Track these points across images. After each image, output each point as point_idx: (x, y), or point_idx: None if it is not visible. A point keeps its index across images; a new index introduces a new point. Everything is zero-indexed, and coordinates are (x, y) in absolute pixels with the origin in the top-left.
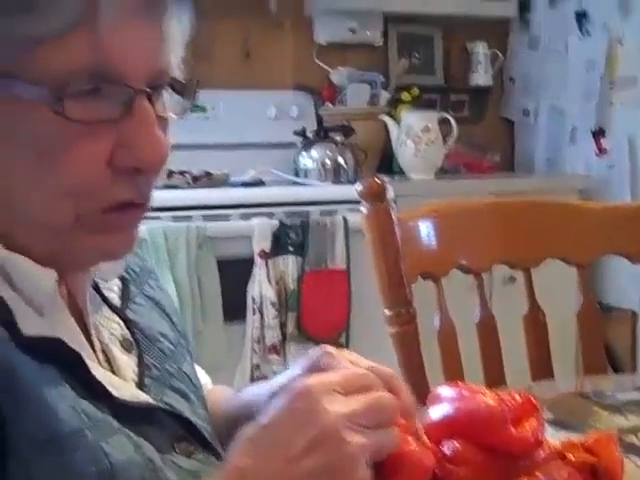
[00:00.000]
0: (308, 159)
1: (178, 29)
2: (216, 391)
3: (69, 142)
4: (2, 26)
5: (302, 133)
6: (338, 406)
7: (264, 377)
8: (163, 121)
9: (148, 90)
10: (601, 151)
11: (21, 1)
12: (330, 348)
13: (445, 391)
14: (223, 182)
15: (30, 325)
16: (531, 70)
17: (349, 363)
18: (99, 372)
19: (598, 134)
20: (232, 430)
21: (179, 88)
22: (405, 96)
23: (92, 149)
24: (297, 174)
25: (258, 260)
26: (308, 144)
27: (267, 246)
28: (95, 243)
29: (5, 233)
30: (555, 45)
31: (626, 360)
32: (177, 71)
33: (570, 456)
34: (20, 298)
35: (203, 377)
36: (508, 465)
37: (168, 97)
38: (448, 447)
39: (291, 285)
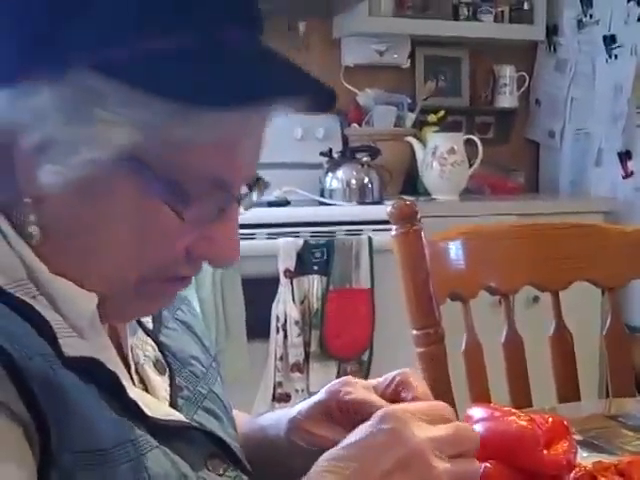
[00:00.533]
0: (334, 179)
1: None
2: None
3: (167, 233)
4: (161, 121)
5: (328, 154)
6: (424, 431)
7: (286, 395)
8: None
9: (242, 196)
10: (627, 174)
11: (189, 108)
12: (351, 378)
13: (477, 412)
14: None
15: (72, 346)
16: (557, 92)
17: (365, 391)
18: (134, 392)
19: (624, 156)
20: (248, 453)
21: (253, 184)
22: (431, 118)
23: (182, 241)
24: (322, 194)
25: (283, 279)
26: (334, 164)
27: (292, 265)
28: (142, 306)
29: (62, 270)
30: (582, 68)
31: None
32: None
33: (602, 478)
34: (63, 320)
35: None
36: None
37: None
38: (480, 468)
39: (315, 304)
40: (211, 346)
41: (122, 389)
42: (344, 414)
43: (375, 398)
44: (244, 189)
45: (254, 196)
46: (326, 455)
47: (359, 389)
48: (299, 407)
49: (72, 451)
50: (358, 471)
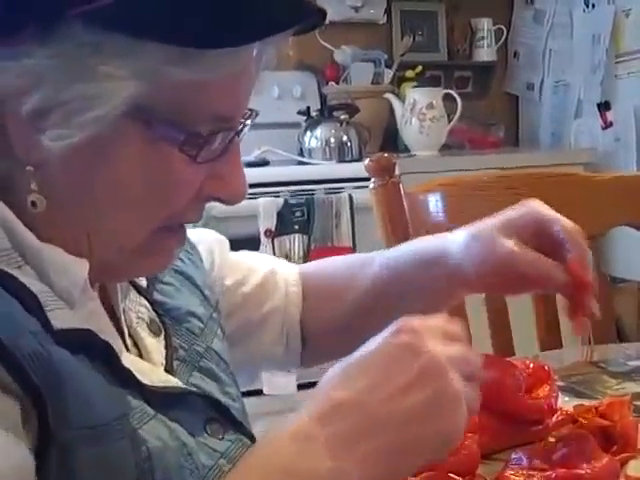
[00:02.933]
0: (312, 138)
1: None
2: (333, 264)
3: (179, 177)
4: (163, 67)
5: (306, 112)
6: (441, 348)
7: None
8: None
9: (241, 130)
10: (607, 124)
11: (188, 50)
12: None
13: None
14: None
15: (60, 318)
16: (536, 44)
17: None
18: (128, 360)
19: (603, 107)
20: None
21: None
22: (409, 73)
23: (193, 182)
24: (301, 153)
25: (264, 239)
26: (312, 123)
27: (273, 225)
28: (145, 264)
29: (58, 237)
30: (560, 19)
31: (633, 332)
32: None
33: (583, 420)
34: (51, 291)
35: (268, 262)
36: (522, 431)
37: None
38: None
39: (297, 263)
40: (211, 295)
41: (116, 358)
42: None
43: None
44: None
45: (247, 127)
46: (337, 366)
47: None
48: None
49: (70, 428)
50: (372, 385)
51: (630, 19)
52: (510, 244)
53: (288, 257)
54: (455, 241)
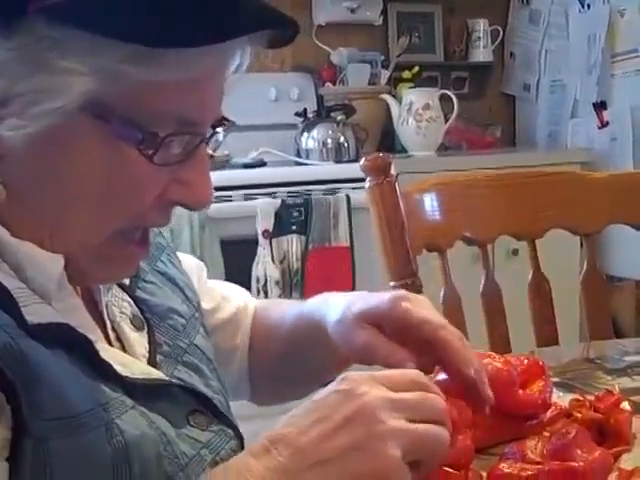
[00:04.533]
0: (309, 139)
1: None
2: (270, 307)
3: (138, 178)
4: (121, 65)
5: (303, 114)
6: (380, 392)
7: None
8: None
9: (209, 136)
10: (603, 124)
11: (148, 49)
12: (407, 293)
13: None
14: (225, 164)
15: (37, 314)
16: (532, 45)
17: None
18: (108, 353)
19: (600, 107)
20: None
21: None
22: (405, 74)
23: (154, 185)
24: (299, 154)
25: (262, 240)
26: (309, 124)
27: (270, 226)
28: (108, 270)
29: (27, 233)
30: (555, 19)
31: (630, 330)
32: None
33: (577, 414)
34: (26, 287)
35: (241, 296)
36: (517, 426)
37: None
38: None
39: (295, 264)
40: (193, 296)
41: (94, 351)
42: (396, 330)
43: (436, 319)
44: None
45: (220, 137)
46: (288, 414)
47: (419, 306)
48: (351, 303)
49: (43, 419)
50: (307, 425)
51: (625, 19)
52: (365, 336)
53: (286, 257)
54: (332, 311)
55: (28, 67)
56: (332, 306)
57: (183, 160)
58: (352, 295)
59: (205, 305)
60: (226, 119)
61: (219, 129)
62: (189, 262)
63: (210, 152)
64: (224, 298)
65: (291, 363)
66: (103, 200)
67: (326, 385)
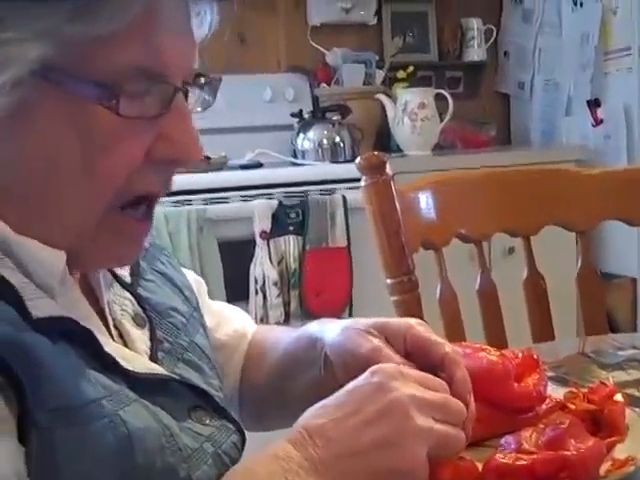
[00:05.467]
0: (305, 140)
1: (199, 31)
2: (267, 334)
3: (114, 136)
4: (64, 25)
5: (299, 114)
6: (411, 389)
7: None
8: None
9: (185, 88)
10: (597, 121)
11: (85, 3)
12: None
13: None
14: (222, 165)
15: (40, 308)
16: (525, 43)
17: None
18: (111, 346)
19: (594, 105)
20: (296, 361)
21: (203, 84)
22: (400, 74)
23: (134, 142)
24: (295, 155)
25: (259, 241)
26: (305, 125)
27: (268, 226)
28: (109, 247)
29: (23, 226)
30: (548, 17)
31: (626, 328)
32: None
33: (571, 406)
34: (30, 282)
35: (241, 320)
36: (512, 418)
37: (192, 93)
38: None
39: (293, 264)
40: (192, 296)
41: (97, 344)
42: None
43: (442, 342)
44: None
45: (206, 94)
46: (321, 401)
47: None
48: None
49: (47, 410)
50: (341, 417)
51: (617, 17)
52: (374, 342)
53: (284, 258)
54: (331, 329)
55: None
56: (332, 326)
57: (160, 114)
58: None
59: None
60: (202, 75)
61: (204, 88)
62: (189, 277)
63: (199, 109)
64: (223, 319)
65: (279, 389)
66: (86, 168)
67: None
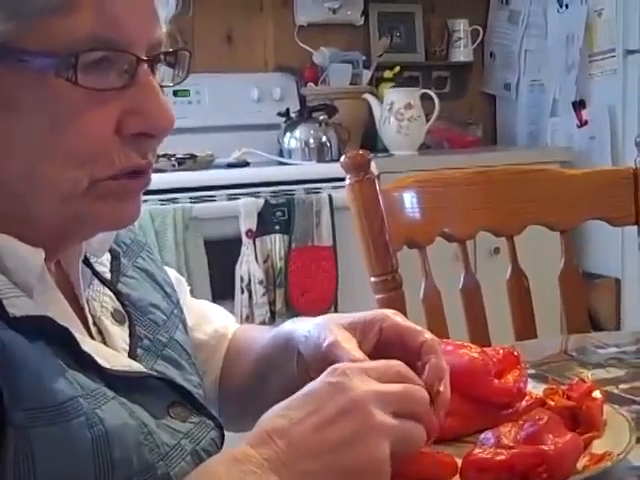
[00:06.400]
0: (292, 139)
1: (164, 5)
2: (245, 333)
3: (79, 109)
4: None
5: (285, 114)
6: (369, 385)
7: None
8: (162, 90)
9: (149, 59)
10: (582, 123)
11: None
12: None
13: None
14: (208, 164)
15: (17, 306)
16: (511, 44)
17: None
18: (89, 345)
19: (579, 106)
20: (267, 369)
21: (172, 60)
22: (387, 74)
23: (101, 115)
24: (281, 154)
25: (245, 239)
26: (291, 124)
27: (254, 225)
28: (105, 210)
29: (5, 212)
30: (534, 19)
31: (609, 328)
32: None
33: (550, 402)
34: (8, 281)
35: (222, 319)
36: (492, 414)
37: (162, 68)
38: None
39: (278, 263)
40: (173, 293)
41: (75, 343)
42: (383, 335)
43: (420, 330)
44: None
45: (178, 69)
46: (282, 402)
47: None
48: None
49: (23, 409)
50: (301, 418)
51: (602, 18)
52: (331, 338)
53: (270, 257)
54: (304, 327)
55: None
56: (305, 323)
57: (125, 86)
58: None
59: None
60: (170, 51)
61: (161, 57)
62: (170, 275)
63: (169, 83)
64: (204, 318)
65: (256, 389)
66: (59, 144)
67: None
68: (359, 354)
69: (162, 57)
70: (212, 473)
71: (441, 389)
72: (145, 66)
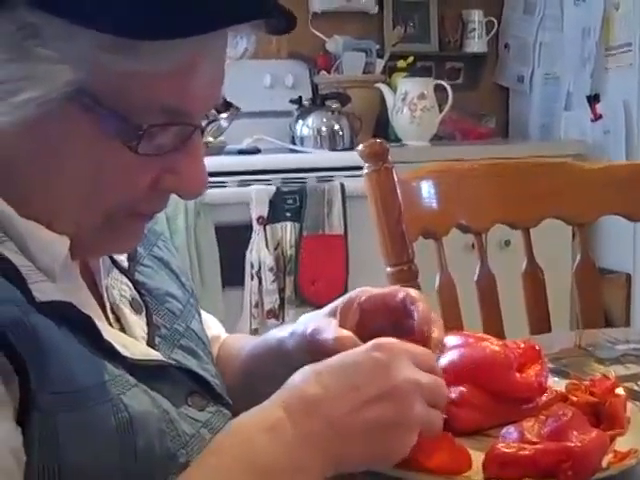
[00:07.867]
0: (304, 127)
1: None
2: (237, 338)
3: (127, 169)
4: (103, 54)
5: (298, 101)
6: (413, 374)
7: None
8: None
9: (204, 125)
10: (596, 117)
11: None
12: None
13: (452, 339)
14: (220, 150)
15: (42, 291)
16: (526, 36)
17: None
18: (110, 333)
19: (593, 100)
20: (256, 369)
21: (224, 115)
22: (400, 64)
23: (144, 174)
24: (293, 141)
25: (256, 226)
26: (304, 112)
27: (265, 212)
28: (113, 242)
29: (27, 210)
30: (551, 11)
31: (619, 324)
32: None
33: (573, 397)
34: (33, 266)
35: (217, 327)
36: (513, 409)
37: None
38: (454, 392)
39: (289, 251)
40: (188, 282)
41: (97, 331)
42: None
43: (397, 288)
44: (212, 116)
45: (223, 123)
46: (313, 365)
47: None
48: (303, 319)
49: (51, 392)
50: (340, 393)
51: (620, 12)
52: (315, 323)
53: (280, 244)
54: (295, 325)
55: (9, 54)
56: (296, 324)
57: (175, 149)
58: None
59: None
60: (230, 104)
61: (222, 115)
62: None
63: (210, 139)
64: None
65: (248, 391)
66: (93, 186)
67: None
68: (344, 332)
69: (215, 117)
70: (250, 440)
71: (434, 335)
72: (199, 131)
